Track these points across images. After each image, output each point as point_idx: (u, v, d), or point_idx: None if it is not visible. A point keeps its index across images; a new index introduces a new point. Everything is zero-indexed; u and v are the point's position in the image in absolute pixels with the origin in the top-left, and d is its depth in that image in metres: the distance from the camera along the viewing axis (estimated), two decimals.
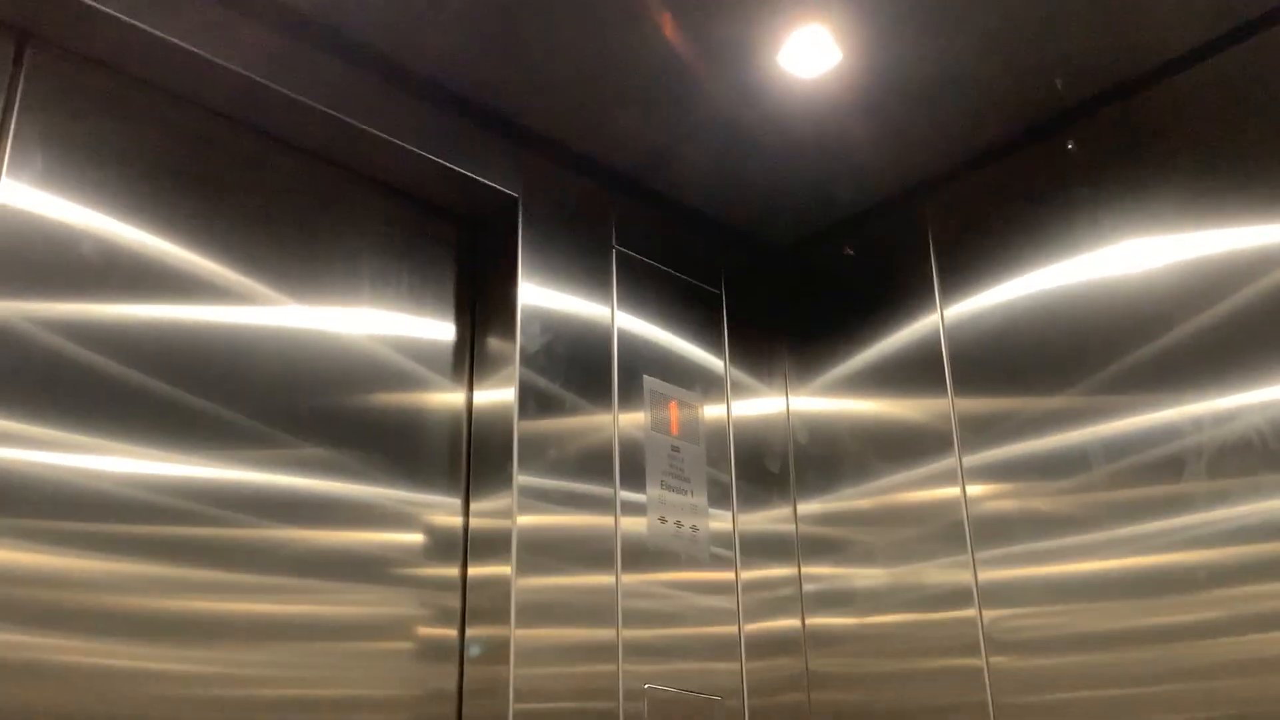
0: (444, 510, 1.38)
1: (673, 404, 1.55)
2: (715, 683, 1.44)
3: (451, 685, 1.31)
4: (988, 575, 1.42)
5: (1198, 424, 1.30)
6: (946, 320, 1.55)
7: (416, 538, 1.35)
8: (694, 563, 1.48)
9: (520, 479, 1.36)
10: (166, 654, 1.13)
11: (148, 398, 1.18)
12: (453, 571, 1.36)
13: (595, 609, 1.36)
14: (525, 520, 1.34)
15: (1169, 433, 1.32)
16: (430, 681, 1.30)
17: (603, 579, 1.38)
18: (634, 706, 1.33)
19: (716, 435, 1.59)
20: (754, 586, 1.55)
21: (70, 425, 1.13)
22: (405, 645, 1.30)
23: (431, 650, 1.31)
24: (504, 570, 1.32)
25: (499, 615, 1.30)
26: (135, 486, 1.15)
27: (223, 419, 1.23)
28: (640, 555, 1.42)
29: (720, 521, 1.54)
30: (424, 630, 1.32)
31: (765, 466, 1.65)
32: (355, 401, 1.34)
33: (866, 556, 1.56)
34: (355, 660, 1.26)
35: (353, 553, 1.29)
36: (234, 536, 1.21)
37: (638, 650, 1.37)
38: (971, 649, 1.41)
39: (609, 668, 1.34)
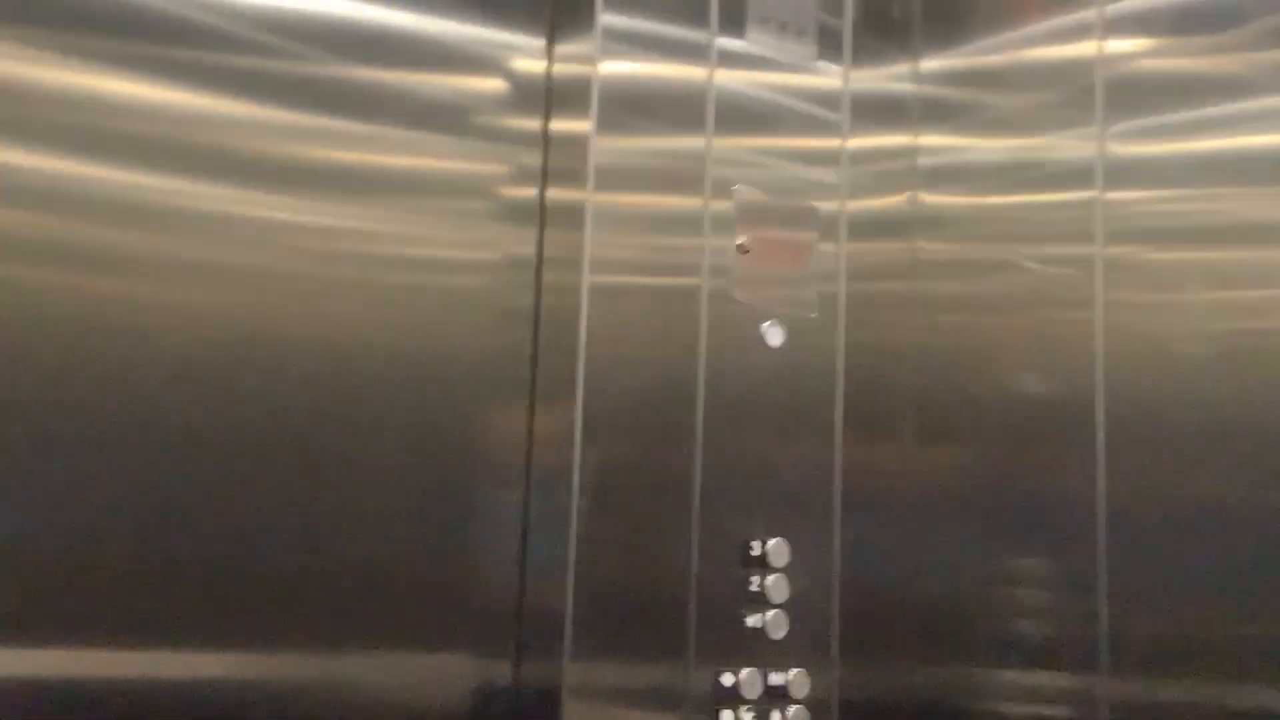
0: (527, 54, 1.28)
1: None
2: (811, 265, 1.36)
3: (530, 251, 1.26)
4: (1117, 150, 1.27)
5: None
6: None
7: (497, 84, 1.26)
8: (796, 126, 1.36)
9: (605, 18, 1.23)
10: (261, 199, 1.11)
11: None
12: (535, 125, 1.28)
13: (682, 175, 1.27)
14: (609, 68, 1.23)
15: None
16: (509, 245, 1.25)
17: (691, 141, 1.27)
18: (719, 284, 1.27)
19: None
20: (863, 157, 1.42)
21: None
22: (486, 205, 1.24)
23: (512, 212, 1.25)
24: (583, 126, 1.23)
25: (577, 177, 1.22)
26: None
27: None
28: (735, 116, 1.31)
29: (828, 78, 1.39)
30: (505, 190, 1.26)
31: (885, 10, 1.48)
32: None
33: (989, 125, 1.41)
34: (439, 219, 1.21)
35: (433, 99, 1.21)
36: (309, 74, 1.14)
37: (726, 224, 1.28)
38: (1086, 236, 1.29)
39: (694, 241, 1.26)
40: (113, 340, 1.03)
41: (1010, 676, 1.29)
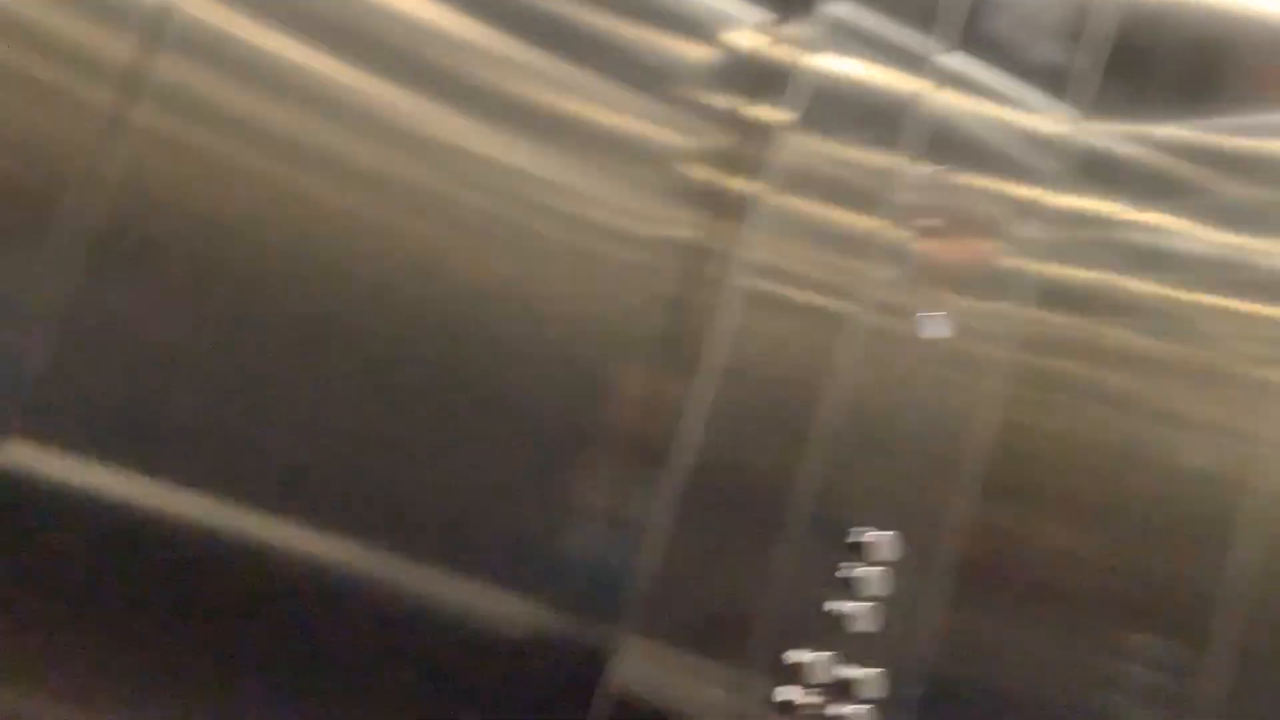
0: (747, 26, 1.21)
1: None
2: (986, 326, 1.27)
3: (691, 235, 1.20)
4: None
5: None
6: None
7: (708, 53, 1.19)
8: (1002, 167, 1.26)
9: (830, 6, 1.16)
10: (454, 120, 1.06)
11: None
12: (733, 104, 1.21)
13: (866, 192, 1.19)
14: (823, 61, 1.16)
15: None
16: (673, 224, 1.19)
17: (885, 158, 1.19)
18: (876, 318, 1.19)
19: None
20: (1067, 219, 1.31)
21: None
22: (661, 177, 1.18)
23: (684, 190, 1.19)
24: (782, 116, 1.16)
25: (760, 170, 1.16)
26: None
27: None
28: (938, 140, 1.22)
29: (1050, 122, 1.29)
30: (684, 166, 1.20)
31: (1133, 61, 1.36)
32: None
33: (1212, 212, 1.29)
34: (612, 181, 1.15)
35: (639, 55, 1.15)
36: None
37: (897, 256, 1.21)
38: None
39: (858, 264, 1.18)
40: (311, 232, 1.02)
41: None
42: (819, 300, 1.18)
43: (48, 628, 0.93)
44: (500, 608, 1.10)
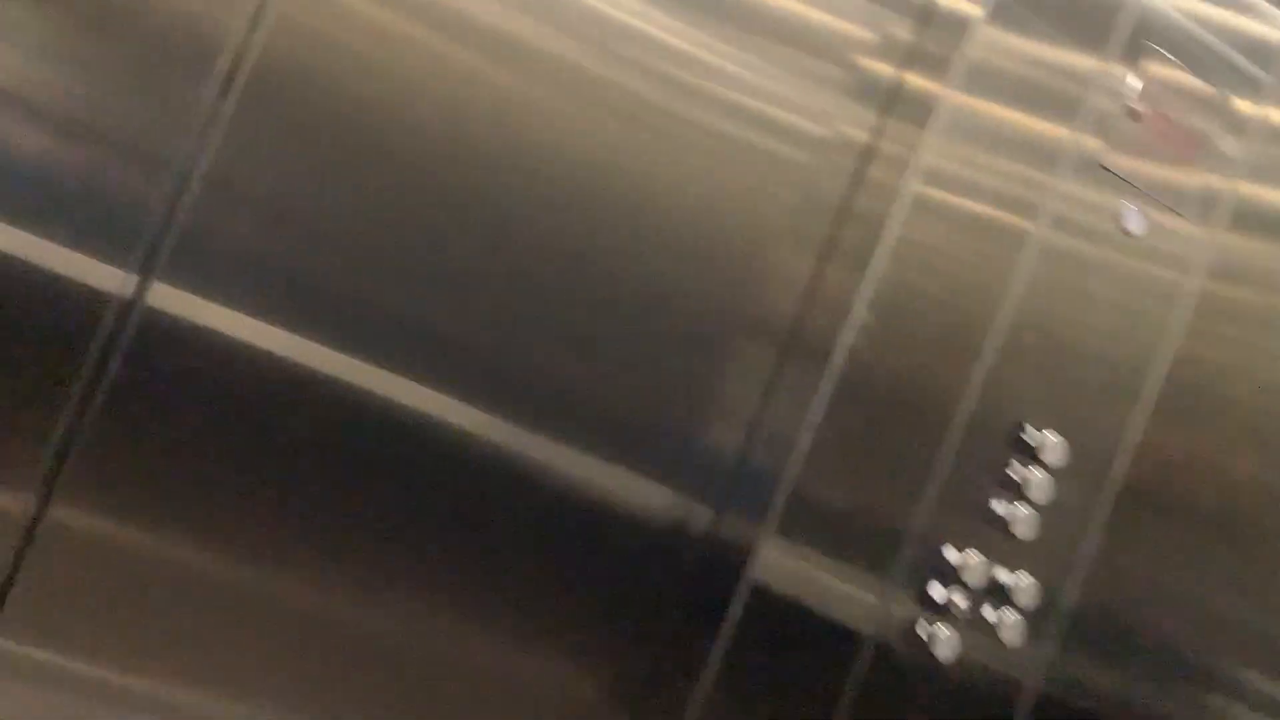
0: None
1: None
2: (1174, 248, 1.20)
3: (864, 137, 1.15)
4: None
5: None
6: None
7: None
8: (1212, 72, 1.17)
9: None
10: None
11: None
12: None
13: (1059, 97, 1.13)
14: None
15: None
16: (844, 122, 1.15)
17: (1085, 61, 1.13)
18: (1055, 236, 1.14)
19: None
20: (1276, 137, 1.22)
21: None
22: (834, 70, 1.14)
23: (858, 86, 1.14)
24: (973, 9, 1.11)
25: (943, 68, 1.11)
26: None
27: None
28: (1148, 42, 1.14)
29: (1269, 26, 1.19)
30: (859, 59, 1.15)
31: None
32: None
33: None
34: (782, 73, 1.12)
35: None
36: None
37: (1086, 167, 1.14)
38: None
39: (1044, 176, 1.13)
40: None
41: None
42: (998, 212, 1.14)
43: (181, 460, 0.95)
44: (655, 499, 1.12)
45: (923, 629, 1.12)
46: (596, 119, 1.06)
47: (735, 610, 1.09)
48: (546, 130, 1.04)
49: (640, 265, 1.10)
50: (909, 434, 1.13)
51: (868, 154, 1.13)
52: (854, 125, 1.14)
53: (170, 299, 0.92)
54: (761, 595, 1.10)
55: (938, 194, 1.11)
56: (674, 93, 1.08)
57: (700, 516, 1.13)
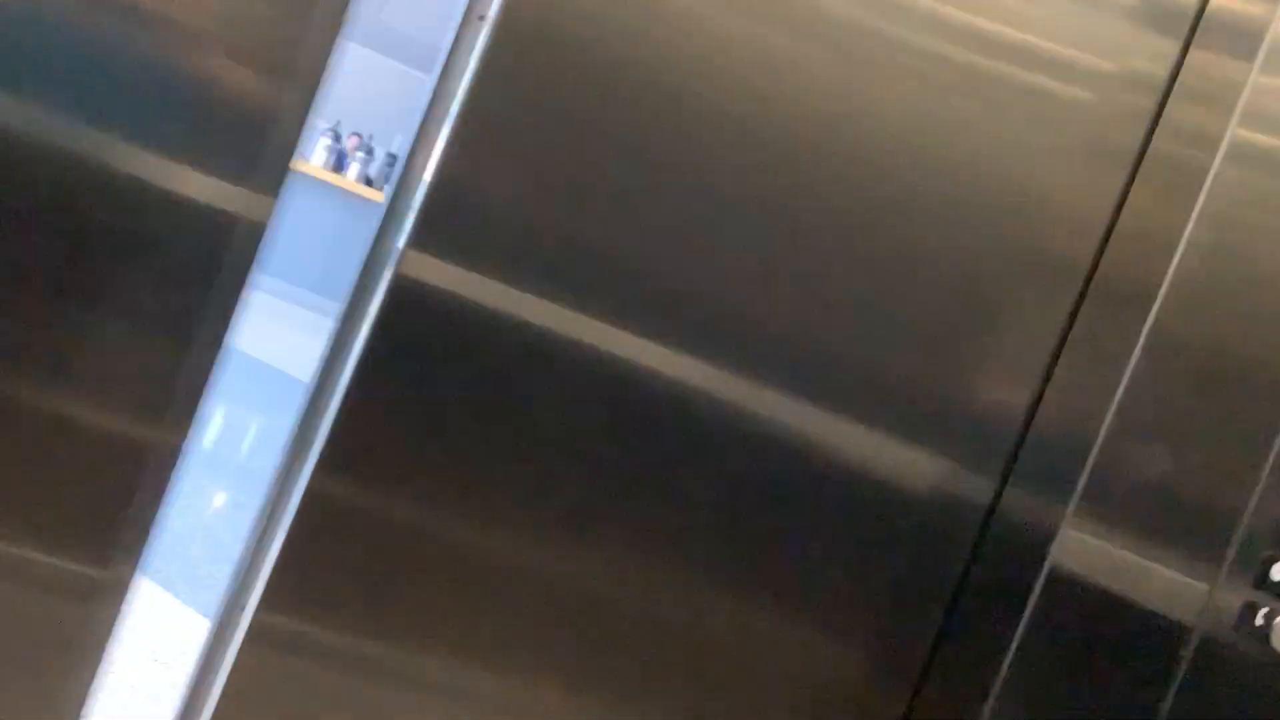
0: None
1: None
2: None
3: (1163, 72, 1.04)
4: None
5: None
6: None
7: None
8: None
9: None
10: None
11: None
12: None
13: None
14: None
15: None
16: (1136, 56, 1.04)
17: None
18: None
19: None
20: None
21: None
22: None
23: (1150, 15, 1.03)
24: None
25: None
26: None
27: None
28: None
29: None
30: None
31: None
32: None
33: None
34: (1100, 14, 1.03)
35: None
36: None
37: None
38: None
39: None
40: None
41: None
42: None
43: (434, 429, 0.96)
44: (962, 486, 1.04)
45: (1262, 618, 0.98)
46: (881, 75, 1.01)
47: (1031, 596, 0.98)
48: (835, 94, 1.00)
49: (919, 221, 1.03)
50: (1242, 396, 1.00)
51: (1178, 93, 1.02)
52: (1159, 62, 1.03)
53: None
54: (1062, 581, 0.98)
55: (1263, 139, 0.99)
56: (954, 40, 1.02)
57: (1011, 498, 1.04)
